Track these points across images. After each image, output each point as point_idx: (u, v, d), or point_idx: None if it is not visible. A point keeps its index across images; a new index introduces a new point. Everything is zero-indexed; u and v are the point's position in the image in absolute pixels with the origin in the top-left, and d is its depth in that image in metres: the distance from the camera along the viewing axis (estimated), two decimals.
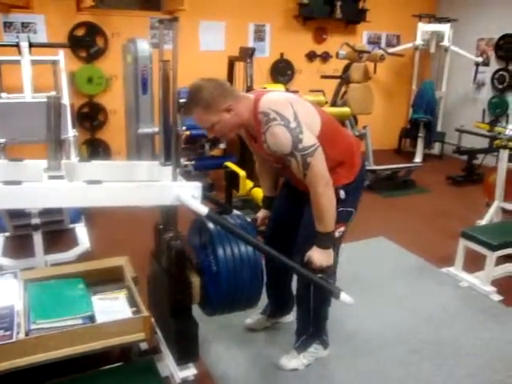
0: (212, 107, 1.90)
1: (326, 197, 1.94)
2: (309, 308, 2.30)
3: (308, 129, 1.92)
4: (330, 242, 2.03)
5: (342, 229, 2.12)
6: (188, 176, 1.87)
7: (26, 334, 1.79)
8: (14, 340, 1.73)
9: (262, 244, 1.86)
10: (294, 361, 2.36)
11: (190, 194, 1.71)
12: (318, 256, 2.02)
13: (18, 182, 1.51)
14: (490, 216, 3.89)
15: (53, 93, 1.71)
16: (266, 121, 1.90)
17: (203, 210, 1.66)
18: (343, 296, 1.78)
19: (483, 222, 3.89)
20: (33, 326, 1.83)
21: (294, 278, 2.45)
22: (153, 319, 2.09)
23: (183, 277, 1.89)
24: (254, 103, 1.97)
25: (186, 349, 1.94)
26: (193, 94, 1.91)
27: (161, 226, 1.99)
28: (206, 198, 1.96)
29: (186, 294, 1.90)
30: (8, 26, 4.80)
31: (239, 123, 1.99)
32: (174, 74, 1.78)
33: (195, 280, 1.93)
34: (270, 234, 2.39)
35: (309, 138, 1.90)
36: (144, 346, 2.18)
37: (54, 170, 1.68)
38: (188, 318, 1.94)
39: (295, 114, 1.89)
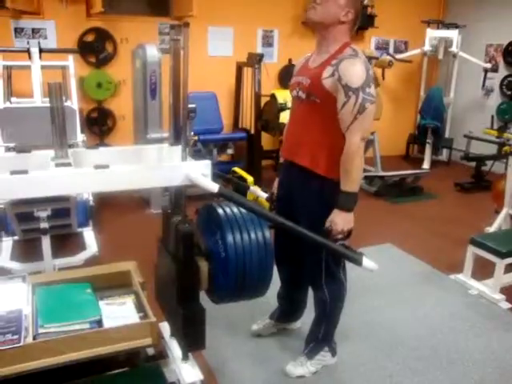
0: (349, 1, 1.96)
1: (360, 152, 1.96)
2: (325, 311, 2.30)
3: None
4: (353, 203, 2.01)
5: None
6: (198, 156, 1.85)
7: (34, 338, 1.80)
8: (21, 344, 1.73)
9: (277, 216, 1.82)
10: (300, 368, 2.36)
11: (199, 173, 1.68)
12: (341, 219, 1.98)
13: (25, 171, 1.50)
14: (499, 223, 3.86)
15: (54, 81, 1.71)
16: (350, 54, 1.96)
17: (214, 186, 1.62)
18: (366, 261, 1.74)
19: (492, 229, 3.87)
20: (40, 330, 1.83)
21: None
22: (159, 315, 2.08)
23: (191, 261, 1.85)
24: (349, 43, 2.02)
25: (194, 336, 1.91)
26: None
27: (169, 211, 1.96)
28: (218, 177, 1.94)
29: (193, 279, 1.86)
30: (19, 31, 4.85)
31: (333, 23, 1.98)
32: (184, 79, 1.78)
33: (203, 265, 1.89)
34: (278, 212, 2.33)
35: (373, 91, 1.95)
36: (151, 351, 2.18)
37: (60, 158, 1.67)
38: (195, 304, 1.90)
39: (373, 72, 1.99)
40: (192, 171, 1.68)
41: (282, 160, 2.41)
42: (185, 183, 1.70)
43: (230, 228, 1.87)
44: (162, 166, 1.75)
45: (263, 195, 2.43)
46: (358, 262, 1.74)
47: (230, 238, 1.85)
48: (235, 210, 1.92)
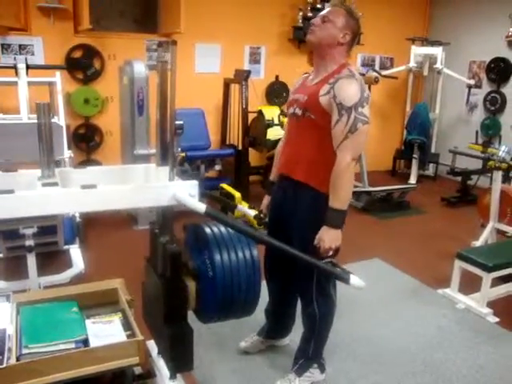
0: (347, 23, 2.07)
1: (349, 171, 1.98)
2: (314, 327, 2.29)
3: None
4: (341, 220, 2.02)
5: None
6: (185, 176, 1.85)
7: (18, 359, 1.76)
8: (4, 366, 1.70)
9: (264, 235, 1.84)
10: None
11: (186, 193, 1.69)
12: (329, 236, 1.99)
13: (11, 191, 1.48)
14: (485, 237, 3.90)
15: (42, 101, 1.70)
16: (347, 74, 2.02)
17: (201, 207, 1.63)
18: (353, 279, 1.74)
19: (478, 243, 3.90)
20: (24, 351, 1.80)
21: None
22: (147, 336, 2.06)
23: (179, 281, 1.84)
24: (347, 64, 2.10)
25: (181, 356, 1.89)
26: (351, 9, 2.13)
27: (156, 230, 1.95)
28: (205, 197, 1.94)
29: (181, 298, 1.86)
30: (6, 47, 4.83)
31: (331, 45, 2.07)
32: (171, 96, 1.78)
33: (191, 285, 1.88)
34: (271, 232, 2.36)
35: (367, 112, 1.99)
36: (138, 370, 2.14)
37: (47, 177, 1.66)
38: (183, 324, 1.88)
39: (368, 95, 2.03)
40: (179, 191, 1.68)
41: (272, 178, 2.44)
42: (172, 203, 1.71)
43: (218, 247, 1.88)
44: (150, 187, 1.75)
45: (251, 213, 2.44)
46: (346, 281, 1.75)
47: (217, 258, 1.85)
48: (222, 228, 1.93)
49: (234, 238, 1.90)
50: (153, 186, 1.77)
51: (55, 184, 1.64)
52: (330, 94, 2.00)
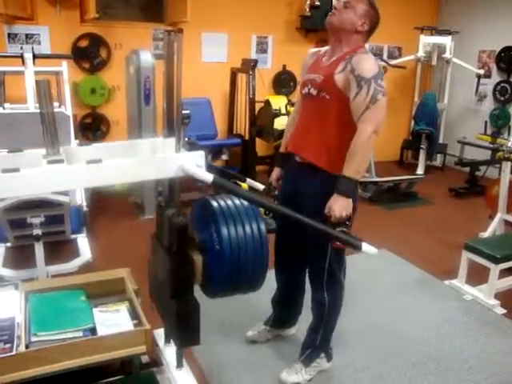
0: (367, 13, 2.08)
1: (369, 143, 1.97)
2: (323, 314, 2.30)
3: None
4: (352, 189, 2.01)
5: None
6: (192, 148, 1.83)
7: (27, 347, 1.78)
8: (14, 353, 1.71)
9: (273, 204, 1.83)
10: (295, 376, 2.34)
11: (193, 163, 1.66)
12: (339, 204, 1.98)
13: (17, 169, 1.47)
14: (493, 228, 3.88)
15: (41, 78, 1.68)
16: (363, 52, 2.07)
17: (208, 176, 1.60)
18: (365, 246, 1.74)
19: (486, 234, 3.88)
20: (33, 339, 1.82)
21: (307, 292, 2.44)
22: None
23: (185, 254, 1.83)
24: (363, 46, 2.12)
25: (188, 330, 1.88)
26: (372, 0, 2.12)
27: (163, 204, 1.94)
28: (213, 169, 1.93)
29: (187, 272, 1.84)
30: (12, 37, 4.84)
31: (349, 31, 2.08)
32: (178, 85, 1.77)
33: (197, 258, 1.86)
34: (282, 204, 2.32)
35: (384, 86, 1.99)
36: (145, 358, 2.16)
37: (52, 155, 1.66)
38: (190, 298, 1.87)
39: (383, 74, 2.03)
40: (186, 162, 1.65)
41: (283, 150, 2.42)
42: (179, 175, 1.68)
43: (225, 221, 1.84)
44: (156, 158, 1.72)
45: (260, 187, 2.42)
46: (358, 247, 1.74)
47: (224, 231, 1.82)
48: (229, 202, 1.90)
49: (242, 211, 1.87)
50: (159, 158, 1.73)
51: (61, 161, 1.62)
52: (347, 68, 2.00)
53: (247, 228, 1.86)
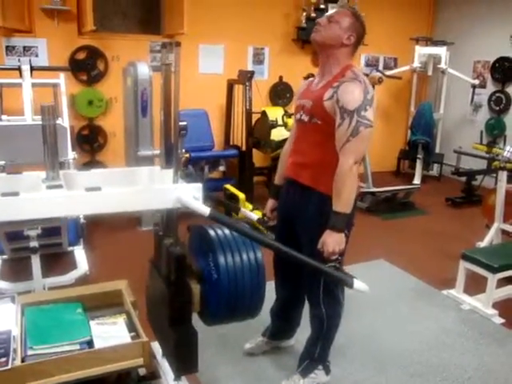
0: (352, 25, 2.06)
1: (352, 174, 1.97)
2: (322, 328, 2.29)
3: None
4: (344, 224, 2.01)
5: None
6: (190, 179, 1.85)
7: (23, 360, 1.76)
8: (9, 367, 1.70)
9: (269, 240, 1.82)
10: None
11: (191, 196, 1.69)
12: (332, 239, 1.99)
13: (16, 193, 1.49)
14: (490, 237, 3.88)
15: (47, 103, 1.70)
16: (351, 77, 2.02)
17: (205, 210, 1.62)
18: (357, 284, 1.73)
19: (483, 243, 3.88)
20: (29, 352, 1.80)
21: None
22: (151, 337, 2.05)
23: (183, 284, 1.84)
24: (351, 65, 2.09)
25: (185, 359, 1.88)
26: (357, 12, 2.14)
27: (160, 233, 1.94)
28: (209, 200, 1.95)
29: (185, 301, 1.85)
30: (10, 49, 4.85)
31: (335, 46, 2.07)
32: (175, 97, 1.78)
33: (195, 287, 1.88)
34: (279, 233, 2.39)
35: (371, 115, 1.98)
36: (143, 371, 2.14)
37: (52, 179, 1.66)
38: (187, 326, 1.88)
39: (373, 96, 2.01)
40: (183, 194, 1.68)
41: (277, 181, 2.45)
42: (176, 206, 1.70)
43: (222, 250, 1.87)
44: (154, 189, 1.74)
45: (254, 217, 2.45)
46: (350, 285, 1.74)
47: (222, 260, 1.84)
48: (227, 231, 1.93)
49: (239, 241, 1.89)
50: (157, 189, 1.76)
51: (60, 186, 1.64)
52: (333, 98, 2.00)
53: (244, 256, 1.88)
